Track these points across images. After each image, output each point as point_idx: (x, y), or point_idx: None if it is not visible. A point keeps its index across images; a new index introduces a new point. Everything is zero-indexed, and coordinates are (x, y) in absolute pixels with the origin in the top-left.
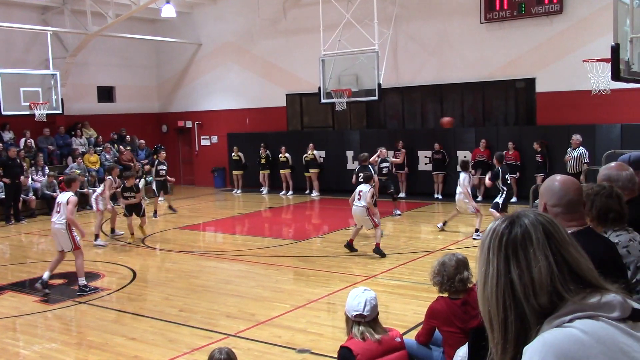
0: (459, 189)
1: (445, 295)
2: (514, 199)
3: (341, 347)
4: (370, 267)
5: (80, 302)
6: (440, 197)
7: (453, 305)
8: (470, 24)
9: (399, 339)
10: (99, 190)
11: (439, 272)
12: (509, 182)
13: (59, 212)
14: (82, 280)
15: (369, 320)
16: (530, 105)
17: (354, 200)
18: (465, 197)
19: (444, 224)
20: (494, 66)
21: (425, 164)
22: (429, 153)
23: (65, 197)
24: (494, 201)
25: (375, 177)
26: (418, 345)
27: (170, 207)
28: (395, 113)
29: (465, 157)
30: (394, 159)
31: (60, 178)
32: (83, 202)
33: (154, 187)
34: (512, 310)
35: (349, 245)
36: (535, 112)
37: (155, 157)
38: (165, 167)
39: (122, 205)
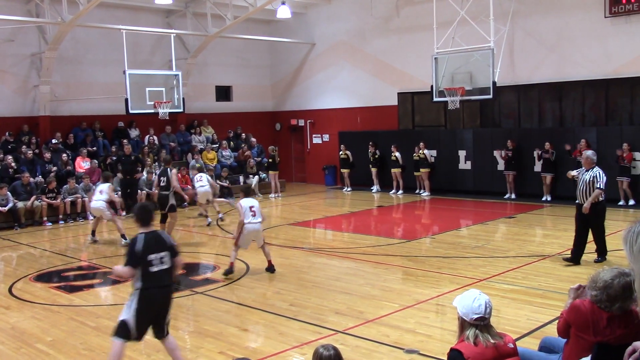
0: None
1: None
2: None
3: (451, 349)
4: (482, 269)
5: (197, 292)
6: (549, 199)
7: (600, 313)
8: (592, 18)
9: (512, 345)
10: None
11: (601, 288)
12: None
13: None
14: None
15: (487, 323)
16: None
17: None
18: None
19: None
20: (619, 62)
21: (534, 164)
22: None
23: None
24: None
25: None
26: (531, 351)
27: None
28: (511, 112)
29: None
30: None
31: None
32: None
33: None
34: None
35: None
36: None
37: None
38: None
39: None
